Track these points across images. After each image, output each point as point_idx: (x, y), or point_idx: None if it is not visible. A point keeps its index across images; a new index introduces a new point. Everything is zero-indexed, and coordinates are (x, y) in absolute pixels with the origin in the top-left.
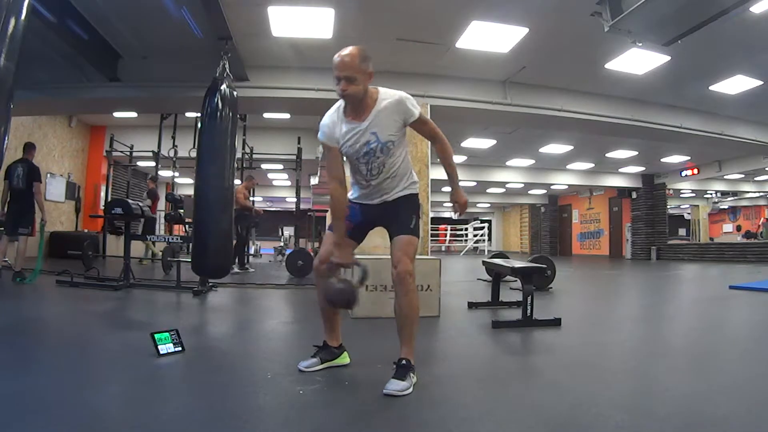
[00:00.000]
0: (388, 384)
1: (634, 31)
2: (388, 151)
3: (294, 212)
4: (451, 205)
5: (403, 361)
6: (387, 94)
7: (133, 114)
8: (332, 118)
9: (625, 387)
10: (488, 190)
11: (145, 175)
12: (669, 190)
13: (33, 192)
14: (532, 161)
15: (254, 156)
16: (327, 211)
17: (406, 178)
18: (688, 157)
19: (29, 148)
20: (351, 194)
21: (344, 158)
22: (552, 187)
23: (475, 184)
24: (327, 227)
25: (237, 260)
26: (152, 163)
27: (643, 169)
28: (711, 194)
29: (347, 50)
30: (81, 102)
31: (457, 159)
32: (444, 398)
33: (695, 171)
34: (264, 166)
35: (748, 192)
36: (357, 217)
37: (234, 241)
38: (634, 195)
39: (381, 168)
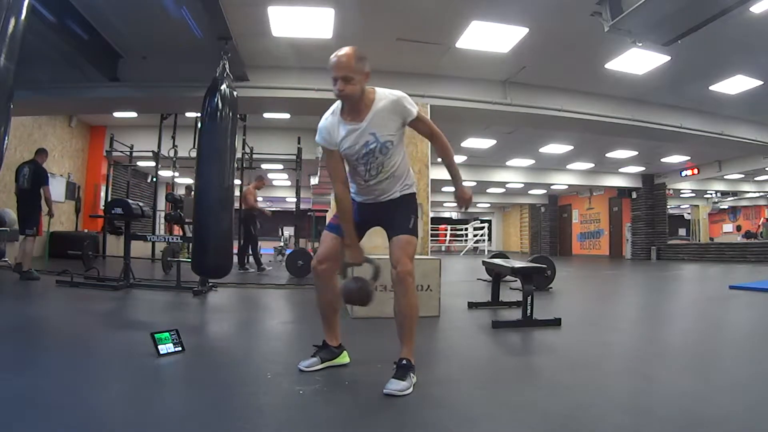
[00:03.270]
0: (388, 384)
1: (634, 31)
2: (387, 151)
3: (294, 212)
4: (454, 204)
5: (404, 361)
6: (384, 94)
7: (133, 114)
8: (330, 120)
9: (625, 387)
10: (488, 190)
11: (146, 175)
12: (669, 190)
13: (39, 193)
14: (532, 161)
15: (254, 156)
16: (327, 211)
17: (404, 178)
18: (688, 157)
19: (40, 152)
20: (356, 197)
21: (344, 160)
22: (552, 187)
23: (475, 184)
24: (326, 227)
25: (255, 261)
26: (152, 163)
27: (643, 169)
28: (711, 194)
29: (343, 50)
30: (81, 102)
31: (457, 159)
32: (444, 398)
33: (695, 171)
34: (264, 166)
35: (748, 192)
36: (355, 216)
37: (239, 242)
38: (634, 195)
39: (380, 168)
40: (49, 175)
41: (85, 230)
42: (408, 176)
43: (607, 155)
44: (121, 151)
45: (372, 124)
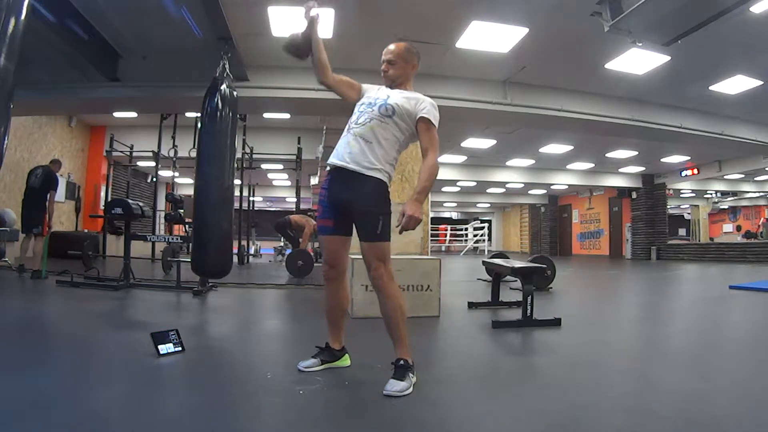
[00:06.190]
0: (387, 384)
1: (634, 31)
2: (385, 113)
3: (294, 212)
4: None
5: (401, 361)
6: (420, 95)
7: (133, 114)
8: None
9: (625, 387)
10: (488, 190)
11: (146, 175)
12: (669, 190)
13: (47, 196)
14: (532, 161)
15: (254, 156)
16: None
17: (381, 158)
18: (688, 157)
19: (55, 162)
20: (330, 158)
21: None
22: (552, 187)
23: (475, 184)
24: (318, 231)
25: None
26: (152, 163)
27: (643, 169)
28: (711, 194)
29: (399, 42)
30: (81, 102)
31: (457, 159)
32: (444, 398)
33: (695, 171)
34: (264, 166)
35: (748, 192)
36: (329, 211)
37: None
38: (634, 195)
39: (367, 122)
40: (59, 183)
41: (85, 230)
42: (386, 163)
43: (607, 155)
44: (121, 151)
45: (394, 92)
